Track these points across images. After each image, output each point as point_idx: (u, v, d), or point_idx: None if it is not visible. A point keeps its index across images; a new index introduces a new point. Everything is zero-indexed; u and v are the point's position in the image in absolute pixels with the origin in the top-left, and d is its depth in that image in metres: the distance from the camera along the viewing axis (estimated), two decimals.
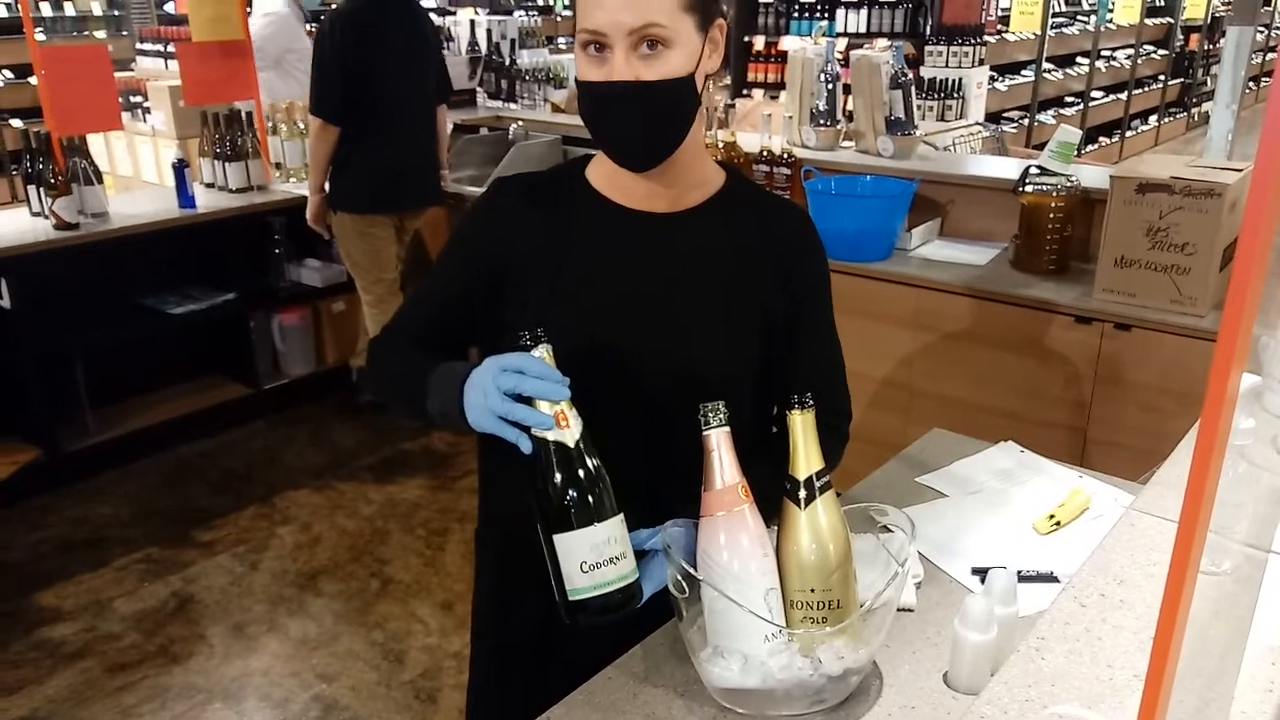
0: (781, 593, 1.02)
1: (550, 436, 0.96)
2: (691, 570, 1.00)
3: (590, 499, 0.96)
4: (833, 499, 1.03)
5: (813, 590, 1.01)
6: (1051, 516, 1.44)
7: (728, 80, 6.64)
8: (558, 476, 0.96)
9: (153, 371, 3.81)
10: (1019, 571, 1.27)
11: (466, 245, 1.23)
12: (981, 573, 1.28)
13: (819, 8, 6.23)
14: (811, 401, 1.02)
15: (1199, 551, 0.50)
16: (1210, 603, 0.71)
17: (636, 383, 1.15)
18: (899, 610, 1.22)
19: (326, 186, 3.52)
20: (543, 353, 0.98)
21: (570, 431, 0.96)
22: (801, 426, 1.02)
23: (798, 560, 1.01)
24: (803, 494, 1.01)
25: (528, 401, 0.97)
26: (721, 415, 1.01)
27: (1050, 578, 1.31)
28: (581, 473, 0.96)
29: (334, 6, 3.49)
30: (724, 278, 1.18)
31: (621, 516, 0.98)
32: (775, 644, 0.98)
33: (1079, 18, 9.33)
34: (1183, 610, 0.51)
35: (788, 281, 1.21)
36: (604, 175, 1.19)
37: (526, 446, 0.97)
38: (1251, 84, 11.36)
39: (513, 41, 5.24)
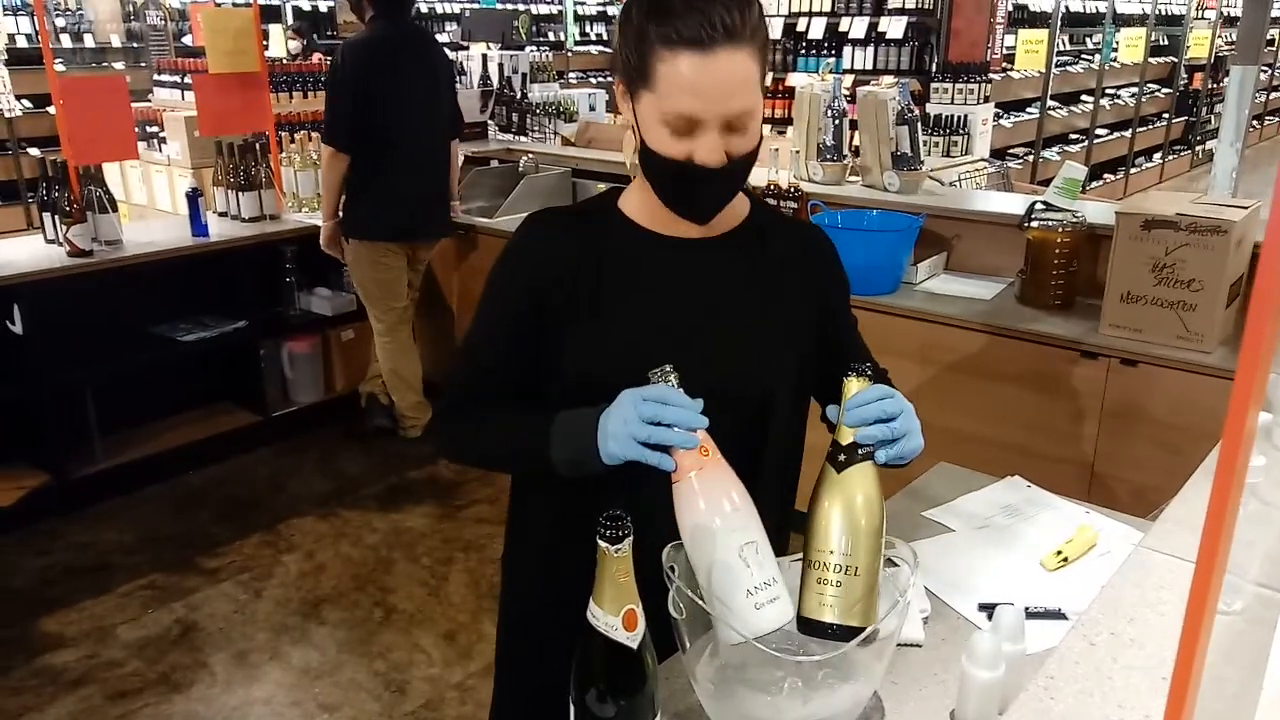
0: (804, 554, 1.01)
1: (617, 638, 0.89)
2: (689, 591, 0.98)
3: (644, 713, 0.92)
4: (871, 469, 1.01)
5: (831, 552, 0.99)
6: (1059, 553, 1.44)
7: None
8: (614, 683, 0.90)
9: (162, 398, 3.83)
10: (1027, 608, 1.26)
11: (510, 287, 1.20)
12: (989, 609, 1.27)
13: (826, 45, 6.29)
14: (870, 370, 1.03)
15: (1216, 593, 0.50)
16: (1223, 644, 0.71)
17: None
18: (907, 645, 1.21)
19: (340, 213, 3.56)
20: (675, 382, 1.01)
21: (636, 634, 0.90)
22: (856, 392, 1.03)
23: (821, 520, 1.00)
24: (842, 458, 1.01)
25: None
26: (672, 379, 1.02)
27: (1058, 615, 1.30)
28: (637, 683, 0.91)
29: (347, 37, 3.54)
30: (760, 299, 1.21)
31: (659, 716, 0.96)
32: (760, 597, 0.97)
33: (1083, 56, 9.41)
34: (1200, 653, 0.51)
35: (822, 303, 1.26)
36: (640, 206, 1.20)
37: (670, 465, 0.99)
38: (1255, 122, 11.43)
39: (524, 76, 5.31)
